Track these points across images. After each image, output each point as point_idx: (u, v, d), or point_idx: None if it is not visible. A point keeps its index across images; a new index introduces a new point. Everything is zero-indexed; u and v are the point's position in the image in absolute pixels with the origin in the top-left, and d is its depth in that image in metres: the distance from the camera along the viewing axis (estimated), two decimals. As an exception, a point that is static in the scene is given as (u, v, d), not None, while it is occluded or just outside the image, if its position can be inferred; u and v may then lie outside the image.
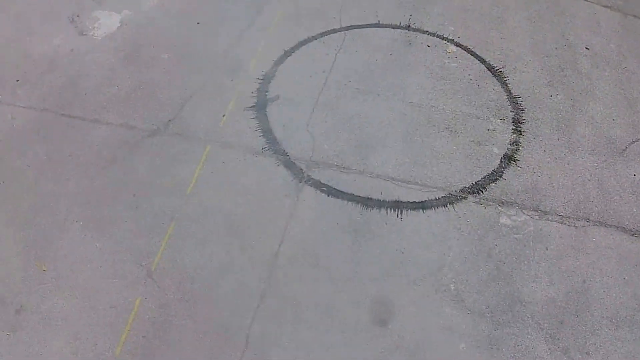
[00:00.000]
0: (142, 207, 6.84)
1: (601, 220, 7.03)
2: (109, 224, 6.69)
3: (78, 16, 9.54)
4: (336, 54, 8.41)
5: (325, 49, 8.44)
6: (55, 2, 10.11)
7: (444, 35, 8.90)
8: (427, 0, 9.59)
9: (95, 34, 9.24)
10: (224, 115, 7.70)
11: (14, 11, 10.02)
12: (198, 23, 9.16)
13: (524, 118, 7.94)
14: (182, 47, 8.72)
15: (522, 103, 8.10)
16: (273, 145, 7.40)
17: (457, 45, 8.80)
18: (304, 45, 8.62)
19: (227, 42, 8.75)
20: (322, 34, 8.83)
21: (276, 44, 8.62)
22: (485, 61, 8.55)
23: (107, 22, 9.43)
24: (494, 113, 7.90)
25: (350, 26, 8.97)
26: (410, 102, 7.93)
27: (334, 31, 8.86)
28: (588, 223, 7.16)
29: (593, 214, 7.06)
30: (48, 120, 7.99)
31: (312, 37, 8.75)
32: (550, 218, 7.00)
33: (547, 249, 6.66)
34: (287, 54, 8.46)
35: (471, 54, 8.68)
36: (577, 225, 7.03)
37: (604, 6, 9.70)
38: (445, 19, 9.20)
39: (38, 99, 8.23)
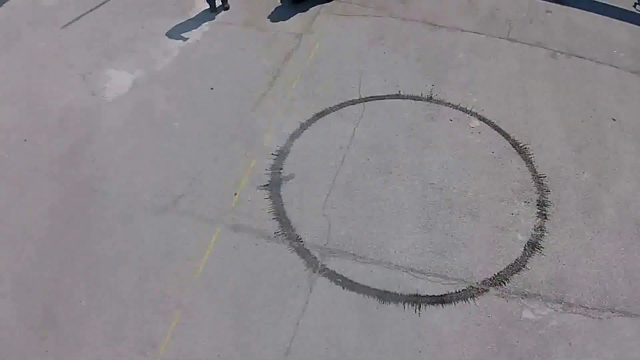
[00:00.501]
0: (146, 290, 6.60)
1: (627, 310, 6.78)
2: (110, 307, 6.46)
3: (90, 73, 9.42)
4: (355, 128, 8.22)
5: (343, 122, 8.24)
6: (71, 57, 10.07)
7: (467, 108, 8.66)
8: (451, 68, 9.38)
9: (106, 95, 9.16)
10: (235, 194, 7.50)
11: (29, 62, 10.04)
12: (212, 88, 9.03)
13: (549, 200, 7.66)
14: (194, 115, 8.61)
15: (547, 183, 7.80)
16: (286, 230, 7.16)
17: (481, 119, 8.54)
18: (321, 117, 8.44)
19: (242, 110, 8.58)
20: (340, 105, 8.64)
21: (292, 115, 8.45)
22: (509, 136, 8.30)
23: (118, 83, 9.36)
24: (518, 195, 7.61)
25: (370, 97, 8.80)
26: (431, 184, 7.68)
27: (353, 102, 8.68)
28: (613, 314, 6.83)
29: (619, 303, 6.80)
30: (55, 186, 7.89)
31: (330, 108, 8.57)
32: (574, 310, 6.76)
33: (570, 344, 6.46)
34: (304, 127, 8.29)
35: (495, 129, 8.43)
36: (601, 317, 6.77)
37: (632, 72, 9.54)
38: (468, 89, 8.94)
39: (46, 160, 8.17)
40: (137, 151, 8.05)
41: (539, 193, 7.76)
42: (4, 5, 12.01)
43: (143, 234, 7.12)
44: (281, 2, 10.94)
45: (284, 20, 10.61)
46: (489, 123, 8.48)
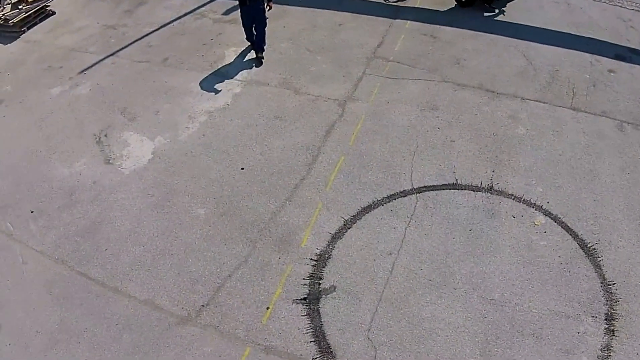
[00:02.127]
0: None
1: None
2: None
3: (106, 135, 8.77)
4: (406, 229, 7.38)
5: (393, 220, 7.42)
6: (85, 112, 9.48)
7: (532, 201, 7.79)
8: (512, 149, 8.52)
9: (123, 165, 8.43)
10: (268, 308, 6.66)
11: (38, 116, 9.56)
12: (242, 168, 8.26)
13: (617, 313, 6.79)
14: (222, 202, 7.85)
15: (617, 291, 6.91)
16: (326, 356, 6.29)
17: (546, 214, 7.69)
18: (367, 212, 7.60)
19: (277, 201, 7.77)
20: (390, 198, 7.80)
21: (334, 209, 7.61)
22: (577, 235, 7.45)
23: (137, 151, 8.59)
24: (585, 309, 6.75)
25: (423, 187, 7.95)
26: (491, 299, 6.80)
27: (404, 194, 7.83)
28: None
29: None
30: (63, 277, 7.15)
31: (378, 201, 7.72)
32: None
33: None
34: (347, 224, 7.45)
35: (561, 226, 7.56)
36: None
37: None
38: (532, 175, 8.09)
39: (53, 242, 7.53)
40: (154, 244, 7.37)
41: (607, 304, 6.91)
42: (19, 42, 11.80)
43: (159, 350, 6.36)
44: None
45: (325, 82, 9.89)
46: (555, 219, 7.61)
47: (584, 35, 11.23)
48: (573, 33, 11.27)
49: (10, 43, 11.90)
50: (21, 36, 12.21)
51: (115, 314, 6.69)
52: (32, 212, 7.97)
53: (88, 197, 8.06)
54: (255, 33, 10.18)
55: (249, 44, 10.65)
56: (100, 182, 8.26)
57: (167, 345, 6.39)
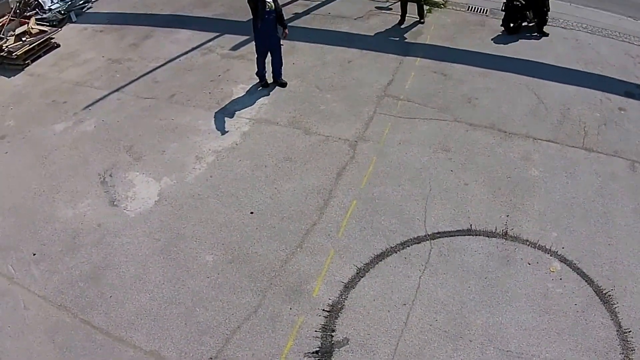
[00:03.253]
0: None
1: None
2: None
3: (111, 175, 8.69)
4: (420, 277, 7.29)
5: (407, 268, 7.35)
6: (89, 150, 9.47)
7: (547, 247, 7.70)
8: (526, 192, 8.46)
9: (128, 208, 8.37)
10: (279, 363, 6.24)
11: (40, 152, 9.55)
12: (252, 212, 8.17)
13: None
14: (231, 248, 7.74)
15: (632, 339, 6.79)
16: (339, 415, 5.90)
17: (562, 260, 7.60)
18: (381, 260, 7.52)
19: (288, 247, 7.68)
20: (404, 244, 7.71)
21: (347, 256, 7.51)
22: (592, 282, 7.37)
23: (142, 193, 8.54)
24: (602, 359, 6.59)
25: (437, 233, 7.86)
26: (507, 351, 6.64)
27: (418, 240, 7.75)
28: None
29: None
30: (66, 324, 6.97)
31: (392, 248, 7.64)
32: None
33: None
34: (361, 273, 7.36)
35: (577, 272, 7.48)
36: None
37: None
38: (546, 220, 8.01)
39: (55, 288, 7.37)
40: (161, 292, 7.25)
41: (623, 353, 6.75)
42: (23, 75, 11.83)
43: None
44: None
45: (336, 122, 9.89)
46: (571, 265, 7.52)
47: (593, 72, 11.31)
48: (583, 70, 11.34)
49: (14, 76, 11.93)
50: (25, 69, 12.25)
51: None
52: (34, 254, 7.85)
53: (92, 241, 7.96)
54: (272, 60, 10.39)
55: (258, 80, 10.64)
56: (104, 225, 8.16)
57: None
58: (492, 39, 12.34)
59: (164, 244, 7.84)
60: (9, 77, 11.84)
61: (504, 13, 12.43)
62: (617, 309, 7.05)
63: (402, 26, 12.59)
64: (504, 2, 12.37)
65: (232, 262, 7.56)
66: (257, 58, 10.43)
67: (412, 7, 12.66)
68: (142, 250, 7.79)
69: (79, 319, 7.05)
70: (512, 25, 12.29)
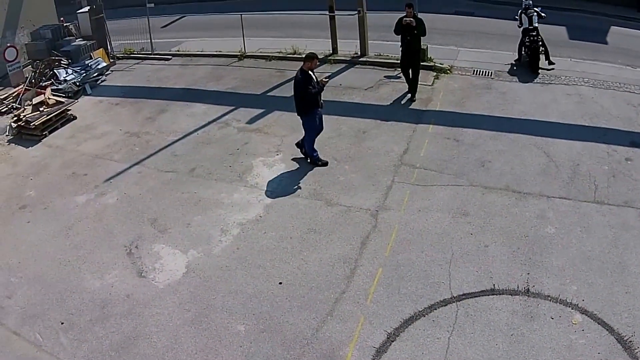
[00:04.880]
0: None
1: None
2: None
3: (137, 247, 8.96)
4: (449, 339, 7.54)
5: (436, 330, 7.62)
6: (113, 222, 9.79)
7: (568, 300, 8.01)
8: (543, 249, 8.83)
9: (157, 279, 8.62)
10: None
11: (64, 226, 9.78)
12: (280, 283, 8.46)
13: None
14: (262, 317, 7.96)
15: None
16: None
17: (583, 312, 7.90)
18: (410, 324, 7.77)
19: (318, 316, 7.94)
20: (431, 308, 7.98)
21: (377, 322, 7.77)
22: (613, 330, 7.62)
23: (170, 264, 8.81)
24: None
25: (462, 295, 8.16)
26: (539, 409, 6.59)
27: (444, 303, 8.04)
28: None
29: None
30: (96, 396, 6.84)
31: (420, 312, 7.91)
32: None
33: None
34: (391, 338, 7.60)
35: (598, 322, 7.76)
36: None
37: None
38: (565, 274, 8.35)
39: (85, 356, 7.47)
40: (194, 363, 7.13)
41: None
42: (41, 146, 12.18)
43: None
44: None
45: (356, 192, 10.31)
46: (592, 316, 7.80)
47: (598, 125, 11.87)
48: (588, 125, 11.90)
49: (32, 147, 12.37)
50: (42, 140, 12.66)
51: None
52: (62, 323, 8.04)
53: (121, 311, 8.17)
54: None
55: (278, 154, 11.17)
56: (133, 296, 8.41)
57: None
58: (499, 102, 12.83)
59: (195, 314, 8.06)
60: (27, 147, 12.30)
61: (528, 57, 13.37)
62: (638, 354, 7.26)
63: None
64: (526, 45, 13.41)
65: (264, 332, 7.78)
66: (312, 139, 10.86)
67: (423, 74, 13.15)
68: (173, 320, 8.01)
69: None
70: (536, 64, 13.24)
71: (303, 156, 11.14)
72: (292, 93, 10.76)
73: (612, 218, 9.35)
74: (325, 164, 10.80)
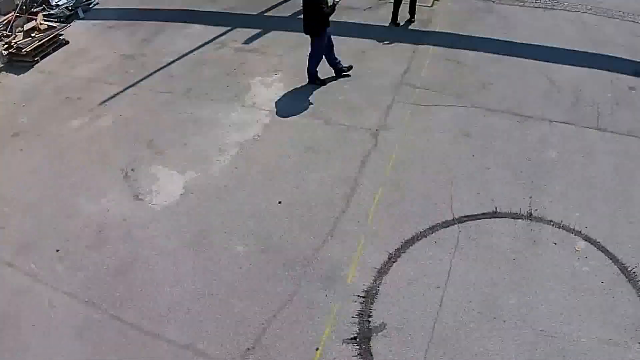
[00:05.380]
0: None
1: None
2: None
3: (133, 170, 8.48)
4: (451, 260, 7.22)
5: (437, 251, 7.28)
6: (108, 145, 9.27)
7: (571, 227, 7.64)
8: (546, 174, 8.41)
9: (153, 201, 8.20)
10: (317, 349, 6.39)
11: (59, 151, 9.33)
12: (279, 202, 8.04)
13: None
14: (261, 238, 7.59)
15: None
16: (380, 402, 5.80)
17: (586, 239, 7.55)
18: (411, 245, 7.42)
19: (318, 235, 7.54)
20: (432, 229, 7.61)
21: (377, 242, 7.40)
22: (617, 260, 7.31)
23: (167, 186, 8.36)
24: (631, 335, 6.54)
25: (464, 217, 7.76)
26: (541, 330, 6.58)
27: (446, 224, 7.66)
28: None
29: None
30: (95, 321, 6.80)
31: (421, 233, 7.55)
32: None
33: None
34: (392, 258, 7.25)
35: (601, 251, 7.42)
36: None
37: None
38: (569, 200, 7.96)
39: (82, 283, 7.16)
40: (193, 284, 7.10)
41: None
42: (34, 72, 11.51)
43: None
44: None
45: (355, 112, 9.75)
46: (595, 244, 7.47)
47: (602, 53, 11.22)
48: (591, 51, 11.26)
49: (23, 73, 11.71)
50: (35, 66, 11.99)
51: (150, 362, 6.19)
52: (57, 251, 7.66)
53: (118, 235, 7.78)
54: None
55: (277, 73, 10.59)
56: (130, 219, 8.00)
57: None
58: (500, 25, 12.22)
59: (193, 236, 7.68)
60: (19, 74, 11.63)
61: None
62: None
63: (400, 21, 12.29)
64: None
65: (264, 252, 7.42)
66: (319, 60, 10.19)
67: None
68: (171, 243, 7.63)
69: (108, 314, 6.88)
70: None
71: (334, 75, 10.50)
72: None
73: (616, 146, 8.88)
74: (324, 82, 10.01)
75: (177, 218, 7.94)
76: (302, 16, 9.80)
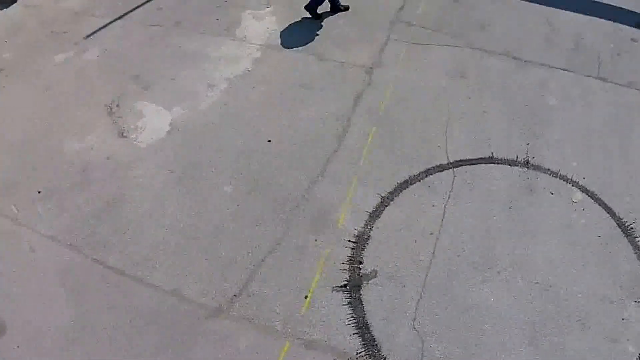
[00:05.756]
0: None
1: None
2: None
3: (118, 106, 7.75)
4: (445, 206, 6.65)
5: (431, 196, 6.69)
6: (93, 80, 8.42)
7: (568, 176, 7.13)
8: (544, 120, 7.79)
9: (139, 139, 7.48)
10: (306, 297, 5.89)
11: (41, 86, 8.46)
12: (269, 141, 7.36)
13: None
14: (250, 177, 6.98)
15: None
16: (370, 349, 5.57)
17: (583, 190, 7.07)
18: (405, 188, 6.83)
19: (308, 175, 6.94)
20: (427, 172, 7.02)
21: (370, 185, 6.79)
22: (614, 213, 6.85)
23: (153, 122, 7.66)
24: (628, 293, 6.14)
25: (459, 161, 7.17)
26: (536, 283, 6.13)
27: (441, 168, 7.06)
28: None
29: None
30: (77, 265, 6.21)
31: (415, 176, 6.95)
32: None
33: None
34: (385, 202, 6.67)
35: (598, 203, 6.96)
36: None
37: None
38: (566, 148, 7.40)
39: (64, 226, 6.55)
40: (179, 226, 6.52)
41: None
42: (17, 6, 10.48)
43: (188, 348, 5.60)
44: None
45: (349, 47, 8.92)
46: (592, 196, 7.00)
47: (603, 1, 10.33)
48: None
49: (6, 7, 10.64)
50: (18, 0, 10.78)
51: (137, 306, 5.84)
52: (39, 192, 7.00)
53: (102, 175, 7.11)
54: None
55: (265, 5, 9.71)
56: (114, 158, 7.32)
57: (198, 341, 5.60)
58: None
59: (179, 175, 7.02)
60: (1, 8, 10.56)
61: None
62: (638, 242, 6.53)
63: None
64: None
65: (252, 192, 6.80)
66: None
67: None
68: (156, 182, 6.97)
69: (91, 258, 6.29)
70: None
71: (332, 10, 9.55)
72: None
73: (616, 97, 8.23)
74: (320, 17, 9.09)
75: (163, 156, 7.26)
76: None
